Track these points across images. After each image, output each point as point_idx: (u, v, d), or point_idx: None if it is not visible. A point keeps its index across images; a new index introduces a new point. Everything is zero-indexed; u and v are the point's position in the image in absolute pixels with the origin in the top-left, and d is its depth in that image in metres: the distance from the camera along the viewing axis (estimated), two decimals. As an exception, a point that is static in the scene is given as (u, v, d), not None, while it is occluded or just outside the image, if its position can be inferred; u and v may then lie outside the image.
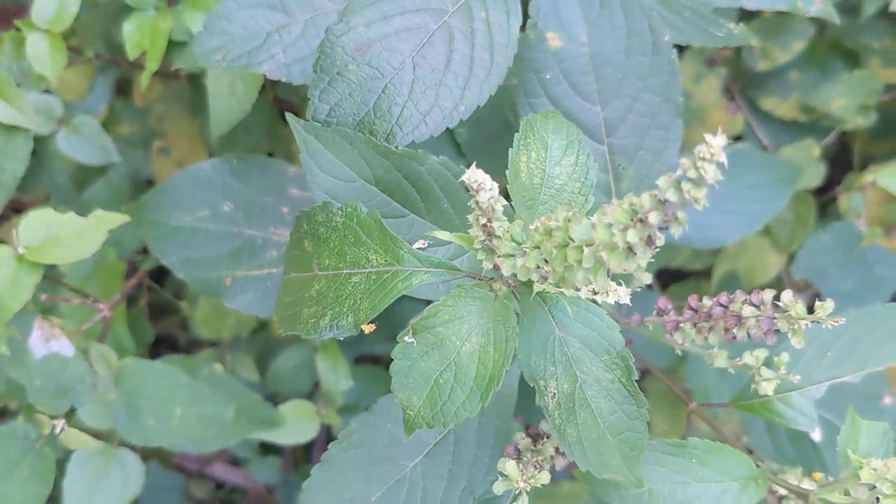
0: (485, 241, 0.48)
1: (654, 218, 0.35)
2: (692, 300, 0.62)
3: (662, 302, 0.64)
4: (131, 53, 0.91)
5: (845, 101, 1.24)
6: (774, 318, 0.56)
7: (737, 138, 1.29)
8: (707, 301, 0.61)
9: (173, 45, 0.95)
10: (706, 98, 1.26)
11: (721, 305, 0.59)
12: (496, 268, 0.50)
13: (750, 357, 0.63)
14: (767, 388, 0.63)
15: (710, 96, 1.26)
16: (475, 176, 0.44)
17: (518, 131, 0.58)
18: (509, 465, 0.53)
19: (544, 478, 0.54)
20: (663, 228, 0.37)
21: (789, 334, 0.56)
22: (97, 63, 1.14)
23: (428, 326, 0.52)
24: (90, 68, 1.12)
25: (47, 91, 1.11)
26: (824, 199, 1.36)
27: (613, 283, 0.47)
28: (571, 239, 0.39)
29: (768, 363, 0.64)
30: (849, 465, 0.58)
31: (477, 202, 0.45)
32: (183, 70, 0.94)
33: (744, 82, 1.31)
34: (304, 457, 1.43)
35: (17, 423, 0.87)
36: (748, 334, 0.58)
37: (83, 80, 1.12)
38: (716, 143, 0.34)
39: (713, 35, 0.77)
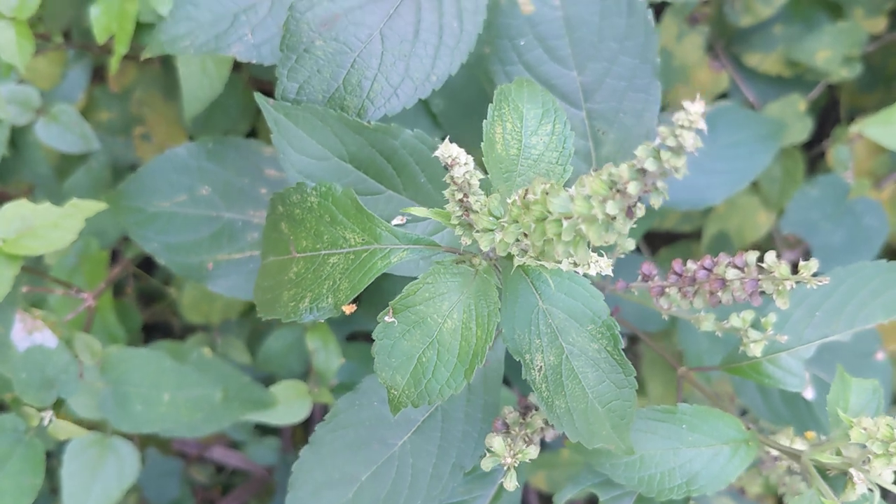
0: (462, 216, 0.46)
1: (633, 188, 0.34)
2: (676, 265, 0.61)
3: (647, 267, 0.63)
4: (99, 38, 0.89)
5: (829, 52, 1.22)
6: (759, 280, 0.55)
7: (722, 96, 1.27)
8: (691, 265, 0.60)
9: (142, 27, 0.93)
10: (689, 57, 1.24)
11: (705, 269, 0.59)
12: (475, 242, 0.49)
13: (737, 319, 0.63)
14: (755, 350, 0.62)
15: (694, 55, 1.24)
16: (449, 151, 0.42)
17: (492, 101, 0.57)
18: (496, 442, 0.52)
19: (532, 452, 0.54)
20: (643, 198, 0.36)
21: (774, 295, 0.55)
22: (71, 52, 1.12)
23: (408, 305, 0.51)
24: (61, 55, 1.10)
25: (23, 82, 1.09)
26: (813, 154, 1.35)
27: (595, 255, 0.46)
28: (550, 212, 0.38)
29: (756, 325, 0.64)
30: (839, 425, 0.58)
31: (452, 177, 0.44)
32: (149, 51, 0.92)
33: (727, 39, 1.29)
34: (302, 437, 1.43)
35: (5, 416, 0.86)
36: (733, 297, 0.57)
37: (55, 67, 1.11)
38: (694, 110, 0.33)
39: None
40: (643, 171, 0.34)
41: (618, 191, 0.35)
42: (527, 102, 0.55)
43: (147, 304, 1.37)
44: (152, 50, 0.69)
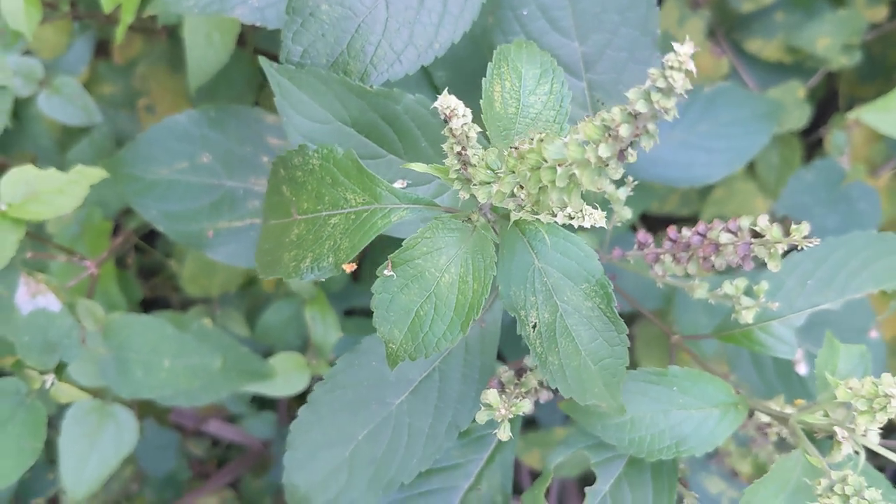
0: (460, 170, 0.48)
1: (625, 131, 0.36)
2: (671, 231, 0.62)
3: (642, 235, 0.65)
4: (106, 7, 0.89)
5: (829, 40, 1.23)
6: (751, 244, 0.57)
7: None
8: (686, 231, 0.62)
9: (148, -2, 0.94)
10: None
11: (699, 234, 0.60)
12: (472, 198, 0.50)
13: (730, 286, 0.64)
14: (747, 317, 0.64)
15: (695, 39, 1.25)
16: (447, 102, 0.44)
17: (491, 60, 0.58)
18: (491, 395, 0.54)
19: (526, 406, 0.55)
20: (635, 142, 0.37)
21: (766, 259, 0.56)
22: (77, 24, 1.13)
23: (407, 259, 0.52)
24: (67, 23, 1.11)
25: (28, 52, 1.10)
26: (811, 141, 1.36)
27: (589, 207, 0.47)
28: (545, 159, 0.39)
29: (748, 292, 0.65)
30: (827, 388, 0.59)
31: (451, 129, 0.45)
32: (160, 20, 0.93)
33: (728, 24, 1.30)
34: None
35: (8, 379, 0.87)
36: (726, 261, 0.59)
37: (61, 36, 1.11)
38: (683, 51, 0.34)
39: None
40: (635, 115, 0.36)
41: (610, 135, 0.36)
42: (525, 63, 0.56)
43: (147, 277, 1.38)
44: (156, 7, 0.69)
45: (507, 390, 0.62)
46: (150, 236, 1.31)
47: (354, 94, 0.60)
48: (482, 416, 0.54)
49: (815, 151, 1.36)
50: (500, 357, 1.08)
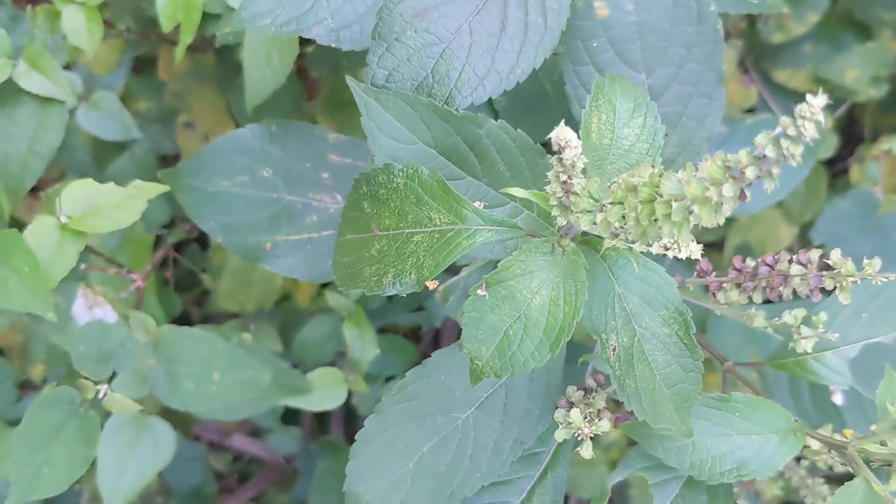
0: (561, 197, 0.50)
1: (751, 173, 0.38)
2: (736, 261, 0.64)
3: (705, 264, 0.67)
4: (165, 26, 0.91)
5: (858, 72, 1.26)
6: (822, 276, 0.59)
7: (749, 110, 1.31)
8: (751, 261, 0.64)
9: (207, 18, 0.96)
10: (722, 70, 1.27)
11: (767, 265, 0.62)
12: (558, 226, 0.52)
13: (789, 316, 0.66)
14: (806, 346, 0.66)
15: (726, 68, 1.28)
16: (563, 134, 0.46)
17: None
18: (573, 413, 0.56)
19: (604, 426, 0.57)
20: (753, 183, 0.39)
21: (837, 291, 0.58)
22: (127, 36, 1.15)
23: (500, 280, 0.54)
24: (121, 42, 1.13)
25: (67, 67, 1.12)
26: (835, 171, 1.38)
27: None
28: (660, 194, 0.41)
29: (807, 322, 0.67)
30: (887, 418, 0.61)
31: (561, 159, 0.47)
32: (219, 41, 0.95)
33: (758, 54, 1.33)
34: (319, 429, 1.46)
35: (62, 388, 0.88)
36: (794, 292, 0.61)
37: (113, 53, 1.13)
38: (816, 102, 0.36)
39: (748, 2, 0.79)
40: (761, 157, 0.38)
41: (732, 175, 0.38)
42: (619, 96, 0.58)
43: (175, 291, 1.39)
44: (232, 26, 0.71)
45: (576, 409, 0.63)
46: (177, 249, 1.32)
47: (440, 118, 0.62)
48: (560, 434, 0.56)
49: (838, 179, 1.39)
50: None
